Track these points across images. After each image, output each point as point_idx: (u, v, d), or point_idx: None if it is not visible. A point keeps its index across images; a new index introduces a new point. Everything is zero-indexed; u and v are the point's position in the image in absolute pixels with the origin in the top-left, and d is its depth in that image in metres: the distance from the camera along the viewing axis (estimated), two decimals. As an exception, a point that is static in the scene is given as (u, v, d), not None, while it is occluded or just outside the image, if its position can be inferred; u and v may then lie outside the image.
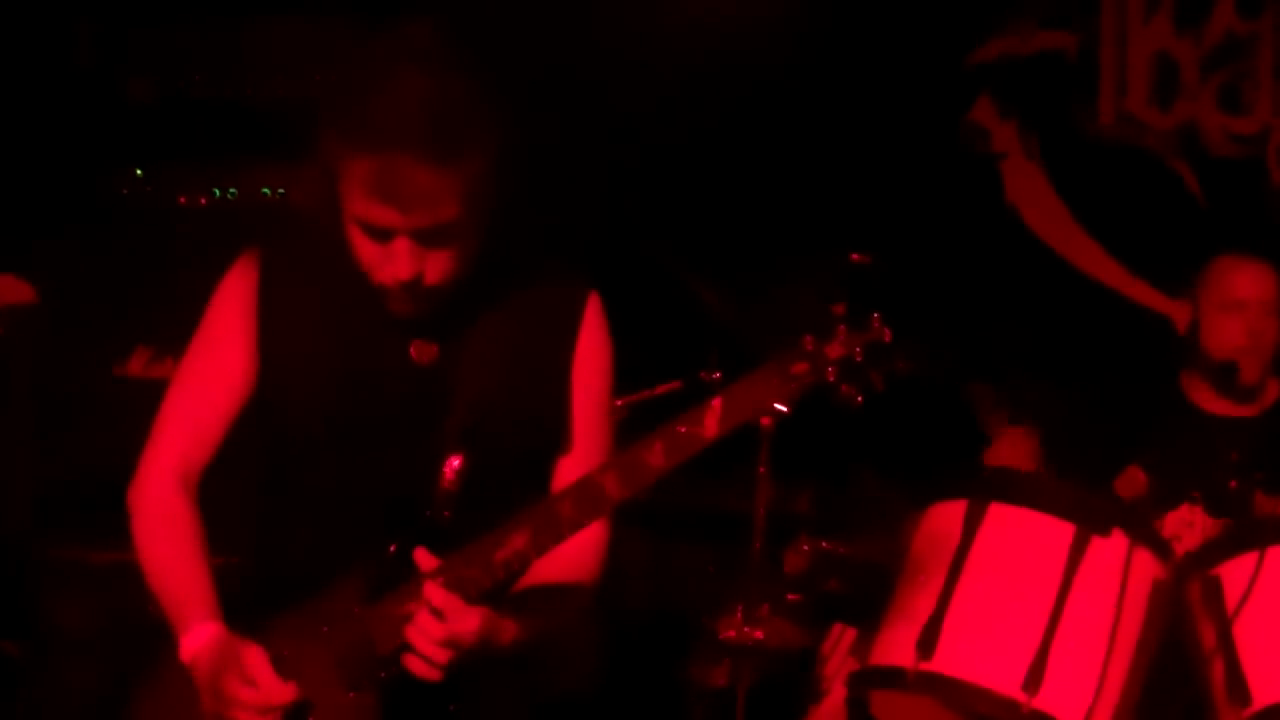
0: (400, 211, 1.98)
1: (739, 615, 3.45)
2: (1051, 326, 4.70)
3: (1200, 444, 3.50)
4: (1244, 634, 2.70)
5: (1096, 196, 4.80)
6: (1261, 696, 2.65)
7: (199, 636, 2.10)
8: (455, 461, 2.09)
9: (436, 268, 2.05)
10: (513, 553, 1.97)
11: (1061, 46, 4.84)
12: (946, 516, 2.80)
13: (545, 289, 2.24)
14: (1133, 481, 3.36)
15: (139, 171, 3.88)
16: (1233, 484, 3.32)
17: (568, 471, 2.20)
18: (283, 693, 2.02)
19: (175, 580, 2.17)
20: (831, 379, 1.94)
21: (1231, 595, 2.73)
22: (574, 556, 2.18)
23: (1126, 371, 4.14)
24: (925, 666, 2.63)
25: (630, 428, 3.93)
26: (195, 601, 2.13)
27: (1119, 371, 4.24)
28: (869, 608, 2.89)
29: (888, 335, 1.97)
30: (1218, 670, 2.72)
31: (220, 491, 2.27)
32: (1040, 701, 2.57)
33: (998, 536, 2.73)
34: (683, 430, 1.94)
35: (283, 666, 2.04)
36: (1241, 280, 3.52)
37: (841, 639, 3.44)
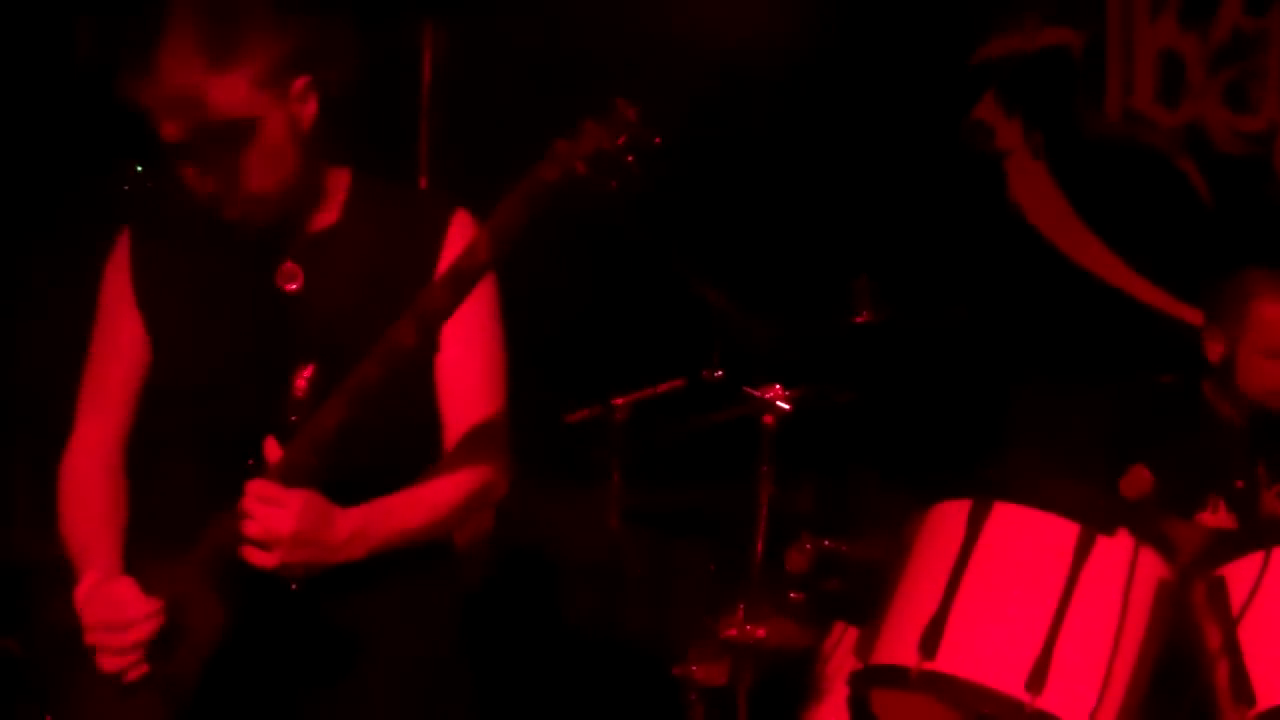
0: (180, 121, 2.09)
1: (740, 614, 3.44)
2: (1055, 324, 4.68)
3: (1220, 448, 3.47)
4: (1249, 635, 2.69)
5: (1101, 194, 4.78)
6: (1266, 697, 2.65)
7: (83, 586, 2.21)
8: (306, 371, 2.17)
9: (243, 173, 2.12)
10: (329, 427, 2.07)
11: (1067, 43, 4.83)
12: (950, 515, 2.79)
13: (412, 212, 2.36)
14: (1138, 481, 3.34)
15: (140, 168, 3.87)
16: (1239, 483, 3.31)
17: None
18: (140, 606, 2.13)
19: (77, 541, 2.30)
20: (582, 171, 2.03)
21: (1236, 596, 2.72)
22: (460, 469, 2.30)
23: (1130, 370, 4.11)
24: (928, 666, 2.61)
25: (635, 427, 3.95)
26: (88, 557, 2.26)
27: (1122, 370, 4.21)
28: (871, 607, 2.87)
29: (633, 114, 2.06)
30: (1222, 671, 2.71)
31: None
32: (1044, 701, 2.56)
33: (1002, 535, 2.72)
34: (461, 266, 2.07)
35: (157, 591, 2.15)
36: None
37: (843, 638, 3.43)
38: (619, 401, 4.00)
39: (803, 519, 3.81)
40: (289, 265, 2.28)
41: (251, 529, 2.07)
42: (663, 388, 3.95)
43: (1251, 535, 2.87)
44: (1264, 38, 4.65)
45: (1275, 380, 3.43)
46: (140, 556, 2.26)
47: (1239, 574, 2.74)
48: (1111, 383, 3.78)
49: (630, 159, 2.06)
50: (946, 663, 2.61)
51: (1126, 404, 3.61)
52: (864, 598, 3.03)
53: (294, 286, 2.27)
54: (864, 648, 2.85)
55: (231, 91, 2.09)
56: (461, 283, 2.07)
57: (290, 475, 2.09)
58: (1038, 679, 2.56)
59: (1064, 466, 3.46)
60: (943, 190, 4.78)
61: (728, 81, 4.63)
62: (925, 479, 2.98)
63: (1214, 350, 3.52)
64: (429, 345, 2.19)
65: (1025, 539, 2.71)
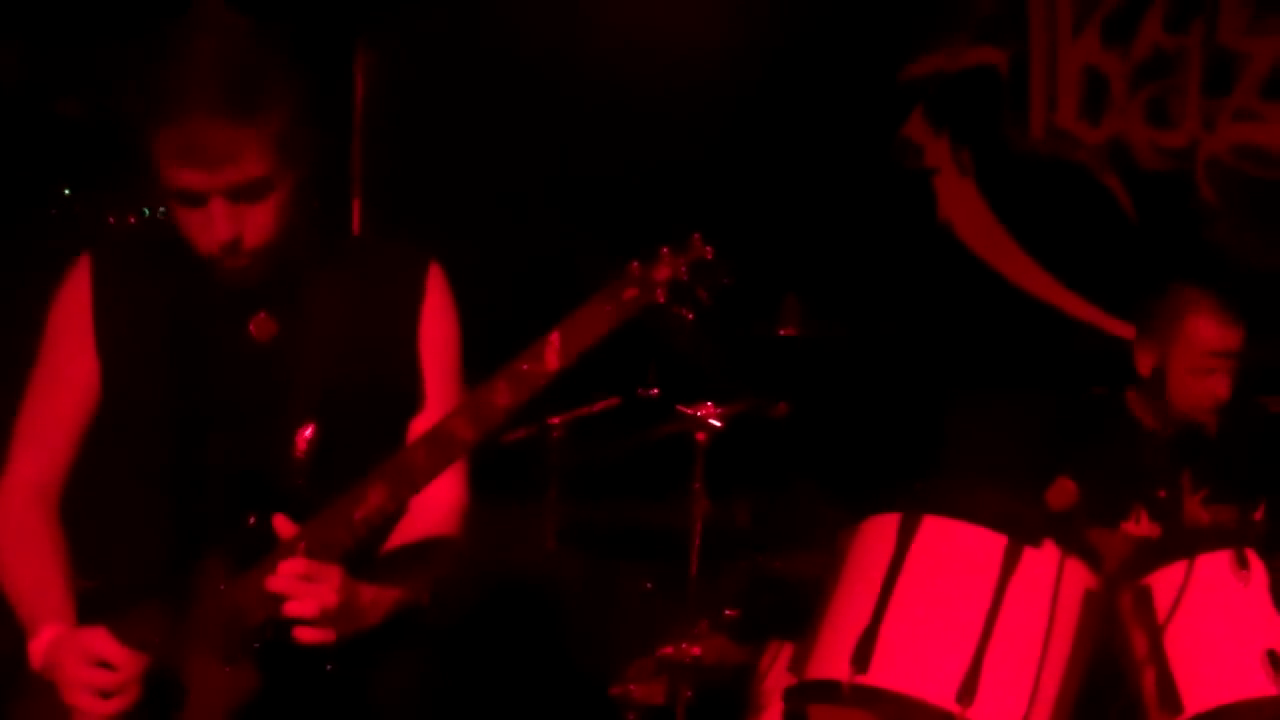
0: (206, 172, 2.04)
1: (676, 632, 3.45)
2: (984, 338, 4.73)
3: (1143, 459, 3.51)
4: (1174, 643, 2.73)
5: (1028, 210, 4.84)
6: (1192, 704, 2.69)
7: (43, 639, 2.11)
8: (307, 431, 2.15)
9: (255, 227, 2.10)
10: (372, 508, 2.02)
11: (992, 62, 4.89)
12: (880, 530, 2.81)
13: (385, 262, 2.32)
14: (1063, 492, 3.38)
15: (67, 191, 3.84)
16: (1162, 493, 3.35)
17: (419, 429, 2.22)
18: (130, 663, 2.05)
19: (24, 589, 2.20)
20: (661, 300, 2.01)
21: (1162, 604, 2.76)
22: (433, 517, 2.26)
23: (1058, 383, 4.16)
24: (860, 680, 2.63)
25: (571, 444, 3.95)
26: (42, 607, 2.16)
27: (1050, 383, 4.26)
28: (806, 622, 2.89)
29: (709, 252, 2.05)
30: (1149, 679, 2.75)
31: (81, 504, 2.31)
32: (975, 713, 2.57)
33: (931, 549, 2.74)
34: (525, 368, 2.00)
35: (150, 650, 2.08)
36: (1216, 346, 3.45)
37: (779, 654, 3.44)
38: (555, 420, 4.01)
39: (738, 536, 3.83)
40: (263, 316, 2.23)
41: (302, 608, 2.02)
42: (598, 406, 3.96)
43: (1175, 544, 2.91)
44: (1184, 55, 4.73)
45: (1204, 394, 3.47)
46: (98, 606, 2.17)
47: (1164, 582, 2.78)
48: (1037, 396, 3.83)
49: (702, 293, 2.04)
50: (879, 676, 2.63)
51: (1051, 416, 3.65)
52: (799, 614, 3.04)
53: (268, 338, 2.23)
54: (798, 663, 2.86)
55: (263, 146, 2.06)
56: (523, 386, 2.00)
57: (323, 551, 2.04)
58: (968, 691, 2.58)
59: (993, 478, 3.49)
60: (873, 207, 4.82)
61: (659, 99, 4.65)
62: (859, 493, 3.00)
63: (1145, 364, 3.56)
64: (486, 442, 2.07)
65: (954, 552, 2.73)
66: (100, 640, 2.07)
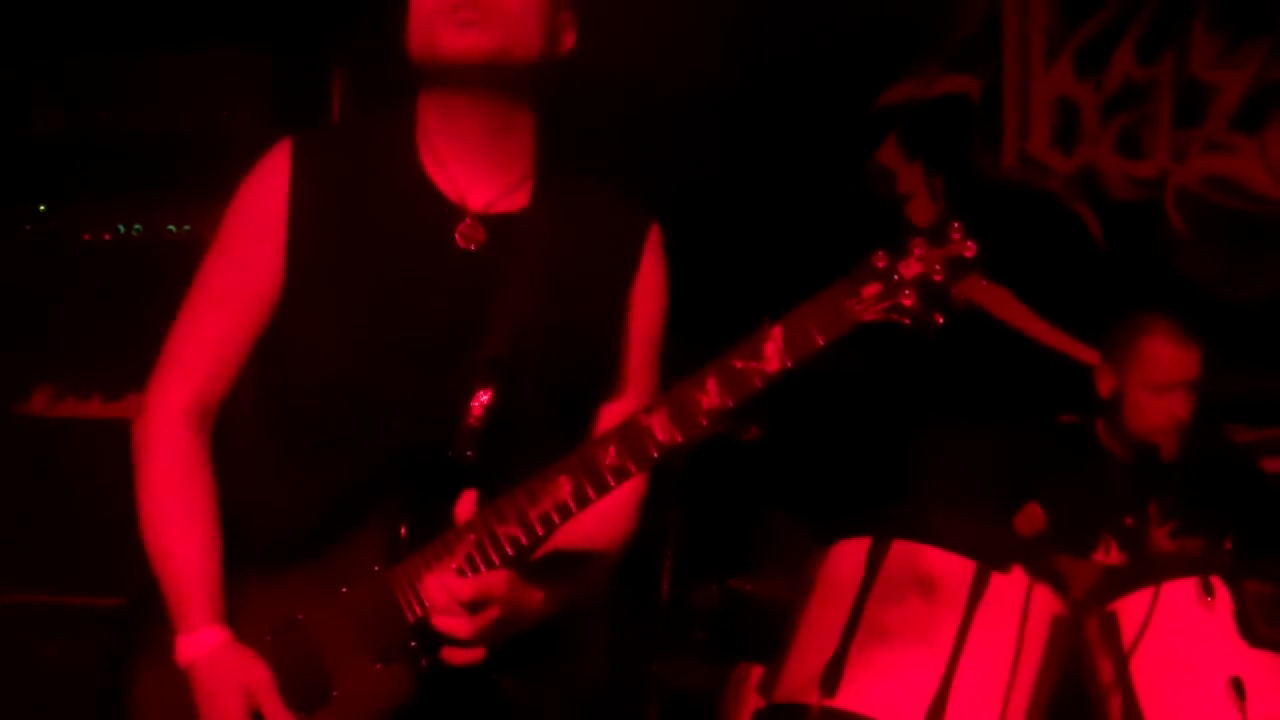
0: None
1: (647, 654, 3.45)
2: (955, 365, 4.75)
3: (1112, 487, 3.54)
4: (1140, 668, 2.76)
5: (999, 238, 4.85)
6: (1157, 730, 2.72)
7: (200, 643, 1.89)
8: (484, 396, 1.88)
9: None
10: (553, 505, 1.76)
11: (965, 90, 4.92)
12: (850, 554, 2.83)
13: (607, 209, 2.06)
14: (1031, 519, 3.40)
15: (42, 207, 3.83)
16: (1128, 521, 3.38)
17: (610, 416, 1.98)
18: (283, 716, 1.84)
19: (179, 563, 1.92)
20: (909, 303, 1.66)
21: (1128, 631, 2.79)
22: (608, 512, 1.95)
23: (1028, 410, 4.19)
24: (828, 703, 2.65)
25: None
26: (199, 596, 1.90)
27: (1020, 410, 4.29)
28: (775, 645, 2.90)
29: (971, 249, 1.68)
30: (1115, 704, 2.77)
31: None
32: (942, 737, 2.60)
33: (900, 573, 2.76)
34: (739, 365, 1.68)
35: (298, 632, 1.87)
36: (1172, 366, 3.50)
37: (748, 676, 3.45)
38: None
39: (710, 558, 3.83)
40: (471, 223, 1.94)
41: (455, 627, 1.79)
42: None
43: (1141, 571, 2.94)
44: (1155, 86, 4.77)
45: (1159, 417, 3.50)
46: (256, 564, 1.92)
47: (1130, 609, 2.81)
48: (1007, 422, 3.85)
49: (959, 296, 1.69)
50: (846, 700, 2.64)
51: (1021, 443, 3.68)
52: (768, 636, 3.06)
53: (476, 244, 1.94)
54: (767, 686, 2.88)
55: None
56: (737, 387, 1.69)
57: (497, 546, 1.79)
58: (935, 715, 2.60)
59: (962, 504, 3.52)
60: (845, 233, 4.84)
61: (633, 125, 4.66)
62: (829, 517, 3.01)
63: (1105, 386, 3.60)
64: (680, 446, 1.75)
65: (923, 576, 2.75)
66: (264, 689, 1.85)
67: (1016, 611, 2.71)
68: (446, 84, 1.95)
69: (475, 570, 1.81)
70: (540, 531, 1.78)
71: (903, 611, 2.72)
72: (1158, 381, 3.50)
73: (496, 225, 1.96)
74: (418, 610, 1.83)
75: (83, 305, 3.63)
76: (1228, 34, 4.71)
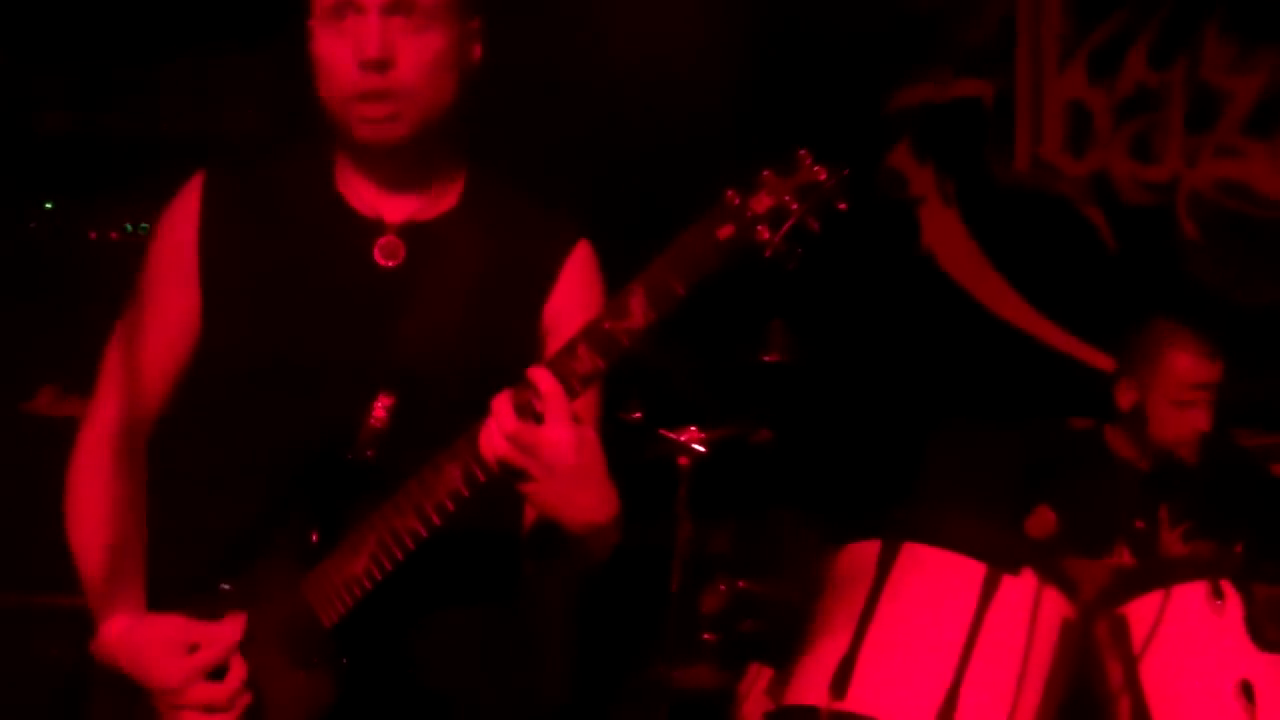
0: None
1: (656, 656, 3.44)
2: (967, 367, 4.74)
3: (1124, 491, 3.52)
4: (1149, 672, 2.75)
5: (1012, 241, 4.86)
6: (1167, 733, 2.70)
7: (111, 626, 1.94)
8: (386, 400, 1.91)
9: (410, 55, 1.89)
10: (446, 493, 1.77)
11: (978, 94, 4.91)
12: (860, 556, 2.82)
13: (528, 223, 2.06)
14: (1043, 522, 3.39)
15: (49, 205, 3.82)
16: (1139, 524, 3.36)
17: None
18: (224, 638, 1.88)
19: (90, 566, 1.97)
20: (765, 237, 1.65)
21: (1138, 634, 2.78)
22: None
23: (1038, 412, 4.17)
24: (838, 705, 2.64)
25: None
26: (110, 592, 1.95)
27: (1030, 412, 4.27)
28: (785, 647, 2.89)
29: (822, 173, 1.69)
30: (1124, 708, 2.76)
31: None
32: (951, 740, 2.59)
33: (910, 576, 2.75)
34: (607, 325, 1.69)
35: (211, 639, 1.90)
36: (1194, 378, 3.48)
37: (758, 679, 3.44)
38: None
39: (719, 560, 3.83)
40: (391, 239, 1.97)
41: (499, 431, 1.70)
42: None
43: (1151, 574, 2.93)
44: (1167, 91, 4.77)
45: (1185, 426, 3.49)
46: (170, 586, 1.95)
47: (1140, 612, 2.80)
48: (1020, 425, 3.84)
49: (814, 224, 1.68)
50: (856, 703, 2.64)
51: (1033, 446, 3.67)
52: (779, 638, 3.05)
53: (394, 261, 1.97)
54: (777, 689, 2.87)
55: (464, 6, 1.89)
56: (609, 348, 1.69)
57: (394, 540, 1.80)
58: (945, 717, 2.59)
59: (973, 507, 3.51)
60: (858, 235, 4.84)
61: (641, 127, 4.66)
62: (840, 519, 3.01)
63: (1126, 398, 3.58)
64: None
65: (933, 579, 2.75)
66: (181, 624, 1.88)
67: (1026, 614, 2.70)
68: (359, 152, 2.00)
69: (381, 567, 1.83)
70: (437, 521, 1.79)
71: (913, 614, 2.72)
72: (1182, 396, 3.48)
73: (416, 238, 1.99)
74: (333, 615, 1.87)
75: (88, 304, 3.62)
76: (1240, 40, 4.71)
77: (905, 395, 4.64)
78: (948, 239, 4.90)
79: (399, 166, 2.00)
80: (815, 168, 1.70)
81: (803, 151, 1.71)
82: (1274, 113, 4.67)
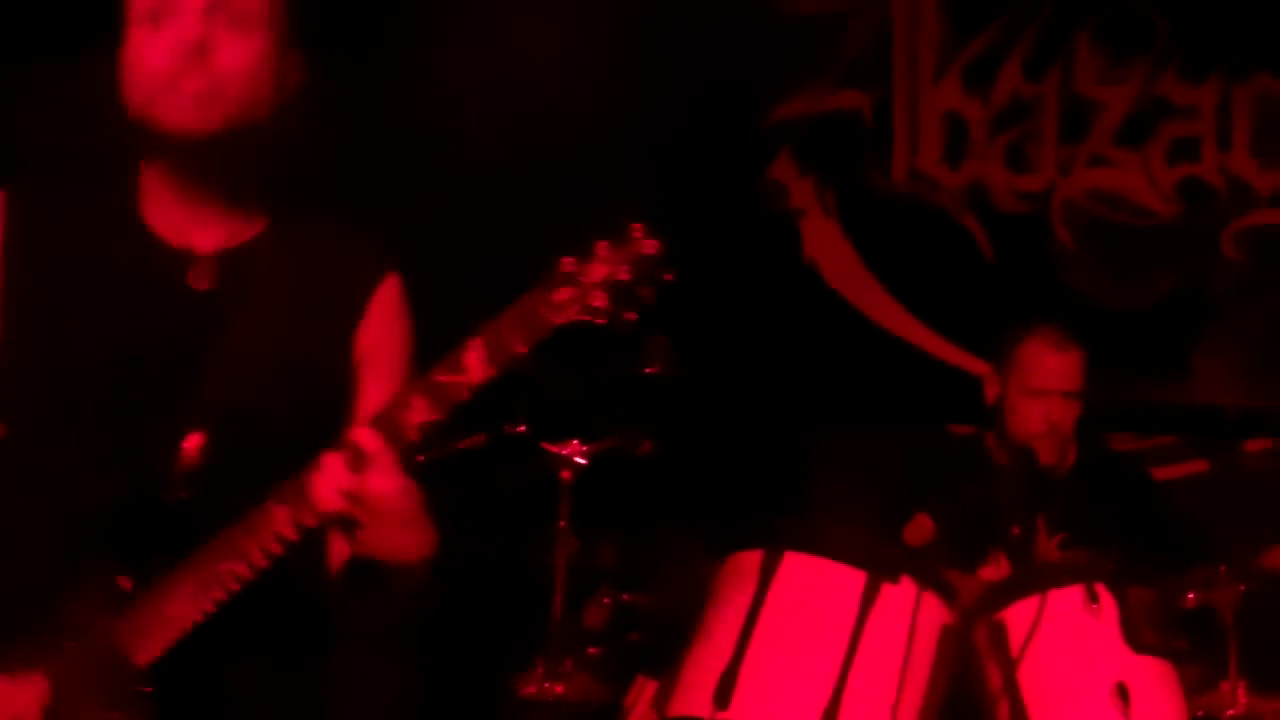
0: None
1: (540, 670, 3.43)
2: (848, 376, 4.78)
3: (1000, 499, 3.56)
4: (1027, 676, 2.78)
5: (891, 251, 4.92)
6: (1045, 736, 2.74)
7: None
8: (195, 438, 1.89)
9: (228, 48, 1.87)
10: (272, 535, 1.78)
11: (856, 106, 4.97)
12: (743, 566, 2.83)
13: (336, 250, 2.05)
14: (920, 529, 3.43)
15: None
16: (1015, 530, 3.42)
17: None
18: (29, 698, 1.83)
19: None
20: (600, 303, 1.74)
21: (1015, 639, 2.81)
22: None
23: (919, 421, 4.23)
24: (721, 716, 2.64)
25: (431, 482, 3.91)
26: None
27: (911, 421, 4.33)
28: (670, 659, 2.89)
29: (651, 246, 1.78)
30: (1003, 712, 2.79)
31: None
32: (833, 748, 2.60)
33: (792, 585, 2.76)
34: (442, 379, 1.74)
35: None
36: (1047, 369, 3.55)
37: (644, 691, 3.44)
38: (420, 458, 3.96)
39: (602, 573, 3.82)
40: (199, 267, 1.95)
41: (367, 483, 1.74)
42: (464, 443, 3.93)
43: (1028, 580, 2.97)
44: (1041, 102, 4.86)
45: (1036, 421, 3.55)
46: None
47: (1018, 617, 2.84)
48: (897, 433, 3.89)
49: (645, 293, 1.76)
50: (739, 713, 2.64)
51: (910, 453, 3.71)
52: (663, 650, 3.05)
53: (204, 288, 1.95)
54: (661, 700, 2.87)
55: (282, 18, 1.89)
56: (442, 400, 1.73)
57: (214, 583, 1.80)
58: (827, 725, 2.60)
59: (854, 514, 3.54)
60: (739, 247, 4.86)
61: (525, 139, 4.64)
62: (722, 530, 3.01)
63: (990, 393, 3.67)
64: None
65: (814, 588, 2.76)
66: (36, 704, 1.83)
67: (906, 621, 2.72)
68: (167, 152, 1.94)
69: (201, 609, 1.83)
70: (262, 563, 1.80)
71: (795, 623, 2.73)
72: (1035, 385, 3.55)
73: (227, 265, 1.97)
74: (147, 656, 1.85)
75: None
76: (1111, 51, 4.81)
77: (786, 405, 4.67)
78: (829, 250, 4.94)
79: (206, 179, 1.96)
80: (647, 241, 1.79)
81: (636, 225, 1.80)
82: (1144, 123, 4.77)
